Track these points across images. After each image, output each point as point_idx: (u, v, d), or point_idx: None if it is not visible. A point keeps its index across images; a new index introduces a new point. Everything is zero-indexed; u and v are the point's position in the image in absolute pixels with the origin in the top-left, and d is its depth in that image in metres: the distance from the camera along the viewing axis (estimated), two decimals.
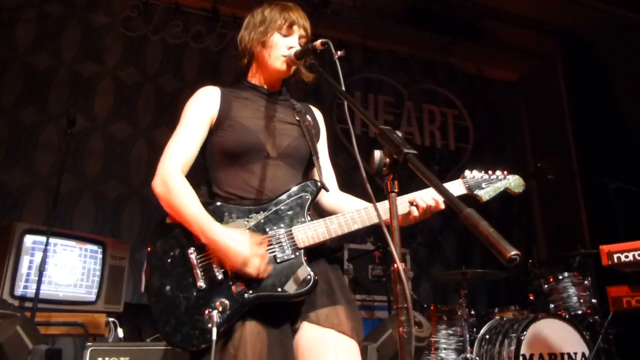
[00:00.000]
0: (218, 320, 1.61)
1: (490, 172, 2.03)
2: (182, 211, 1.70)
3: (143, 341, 3.48)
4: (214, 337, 1.58)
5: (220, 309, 1.63)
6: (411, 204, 1.81)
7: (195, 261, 1.70)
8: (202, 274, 1.69)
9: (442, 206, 1.81)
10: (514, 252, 0.93)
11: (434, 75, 7.24)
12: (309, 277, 1.68)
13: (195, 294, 1.67)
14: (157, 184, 1.76)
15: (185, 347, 1.64)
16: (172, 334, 1.64)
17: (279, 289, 1.67)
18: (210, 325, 1.61)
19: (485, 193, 1.96)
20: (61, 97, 5.12)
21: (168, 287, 1.68)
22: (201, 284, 1.67)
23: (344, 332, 1.71)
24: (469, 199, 1.95)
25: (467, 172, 1.99)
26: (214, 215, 1.71)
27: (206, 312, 1.63)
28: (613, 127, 6.22)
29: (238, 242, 1.62)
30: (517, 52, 7.08)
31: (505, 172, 2.04)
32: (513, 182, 2.03)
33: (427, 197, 1.81)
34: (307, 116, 2.02)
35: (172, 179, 1.74)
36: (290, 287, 1.67)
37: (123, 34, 5.56)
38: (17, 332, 2.69)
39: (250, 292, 1.66)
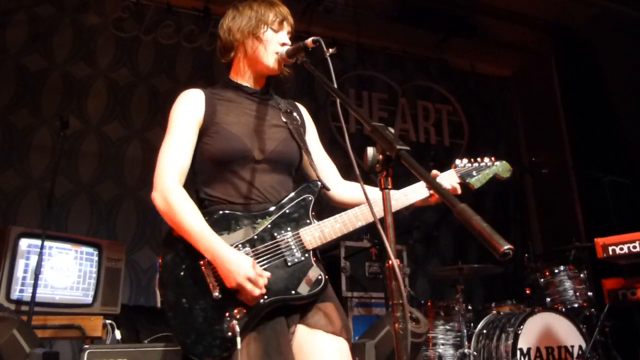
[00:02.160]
0: (239, 328, 1.62)
1: (479, 159, 2.10)
2: (186, 228, 1.68)
3: (141, 342, 3.47)
4: (239, 346, 1.59)
5: (238, 316, 1.65)
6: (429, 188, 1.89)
7: (207, 272, 1.69)
8: (217, 283, 1.69)
9: (459, 191, 1.95)
10: (507, 246, 0.94)
11: (427, 72, 7.24)
12: (320, 277, 1.73)
13: (211, 304, 1.67)
14: (158, 199, 1.74)
15: (207, 358, 1.64)
16: (194, 346, 1.64)
17: (293, 292, 1.70)
18: (230, 334, 1.62)
19: (477, 180, 2.05)
20: (54, 99, 5.09)
21: (184, 300, 1.67)
22: (217, 293, 1.68)
23: (334, 332, 1.73)
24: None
25: (457, 161, 2.07)
26: (220, 224, 1.72)
27: (225, 320, 1.64)
28: (607, 121, 6.24)
29: (243, 262, 1.63)
30: (510, 47, 7.08)
31: (492, 159, 2.13)
32: (501, 167, 2.13)
33: (445, 182, 1.94)
34: (294, 114, 2.01)
35: (172, 194, 1.72)
36: (303, 289, 1.71)
37: (115, 35, 5.53)
38: (14, 336, 2.68)
39: (266, 297, 1.67)
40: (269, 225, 1.76)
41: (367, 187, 2.01)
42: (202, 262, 1.70)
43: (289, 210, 1.79)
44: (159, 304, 1.71)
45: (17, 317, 2.86)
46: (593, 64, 6.50)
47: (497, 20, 6.48)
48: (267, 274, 1.67)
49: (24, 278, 3.38)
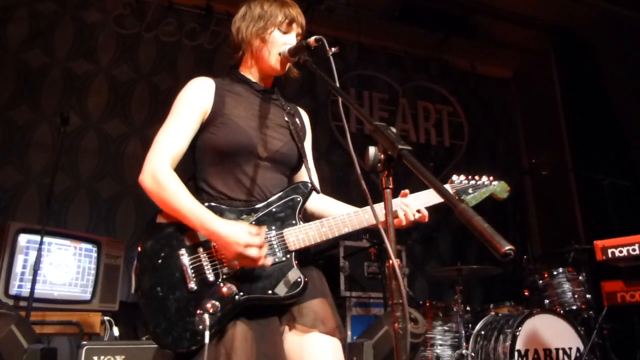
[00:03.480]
0: (210, 322, 1.61)
1: (477, 177, 2.07)
2: (178, 207, 1.67)
3: (138, 340, 3.47)
4: (207, 340, 1.58)
5: (211, 310, 1.63)
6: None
7: (186, 262, 1.68)
8: (193, 275, 1.67)
9: (426, 220, 1.87)
10: (508, 246, 0.93)
11: (427, 72, 7.25)
12: (299, 279, 1.70)
13: (186, 295, 1.65)
14: (147, 180, 1.72)
15: (175, 349, 1.63)
16: (163, 335, 1.62)
17: (270, 292, 1.68)
18: (201, 327, 1.60)
19: (472, 198, 2.01)
20: (54, 95, 5.09)
21: (159, 288, 1.66)
22: (192, 285, 1.66)
23: (328, 332, 1.73)
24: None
25: (454, 177, 2.04)
26: None
27: (197, 313, 1.62)
28: (606, 122, 6.24)
29: (238, 231, 1.61)
30: (511, 48, 7.09)
31: (491, 178, 2.09)
32: (498, 187, 2.09)
33: (414, 206, 1.85)
34: (296, 119, 2.01)
35: (163, 175, 1.70)
36: (281, 290, 1.68)
37: (116, 32, 5.53)
38: (12, 332, 2.68)
39: (241, 293, 1.66)
40: (253, 222, 1.74)
41: (338, 202, 2.03)
42: (181, 252, 1.69)
43: (275, 209, 1.77)
44: (133, 290, 1.69)
45: (15, 312, 2.86)
46: (593, 65, 6.50)
47: (497, 20, 6.48)
48: (263, 231, 1.66)
49: (22, 274, 3.39)
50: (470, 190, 2.02)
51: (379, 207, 1.68)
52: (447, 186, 2.00)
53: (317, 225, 1.76)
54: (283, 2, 1.92)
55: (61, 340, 4.24)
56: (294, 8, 1.93)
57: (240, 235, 1.60)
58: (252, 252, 1.60)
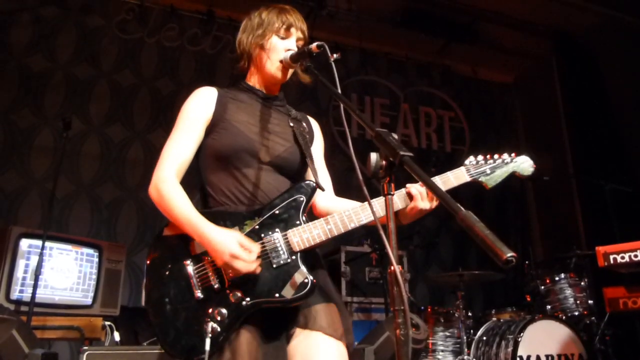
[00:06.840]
0: (217, 329, 1.61)
1: (496, 155, 1.92)
2: (174, 213, 1.70)
3: (139, 345, 3.47)
4: (207, 347, 1.58)
5: (218, 318, 1.63)
6: (409, 195, 1.78)
7: (192, 272, 1.69)
8: (199, 284, 1.68)
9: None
10: (510, 253, 0.93)
11: (429, 77, 7.25)
12: (306, 280, 1.66)
13: (193, 304, 1.66)
14: (152, 191, 1.77)
15: (186, 358, 1.63)
16: (173, 344, 1.64)
17: (277, 294, 1.66)
18: (211, 335, 1.61)
19: (490, 179, 1.87)
20: (57, 100, 5.10)
21: (167, 299, 1.68)
22: (199, 294, 1.67)
23: (332, 334, 1.70)
24: (473, 186, 1.89)
25: (470, 158, 1.90)
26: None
27: (205, 322, 1.63)
28: (608, 128, 6.24)
29: (226, 240, 1.62)
30: (512, 54, 7.09)
31: (512, 155, 1.93)
32: (522, 164, 1.92)
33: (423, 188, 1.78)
34: (303, 123, 2.02)
35: (165, 185, 1.74)
36: (288, 292, 1.65)
37: (119, 37, 5.55)
38: (13, 337, 2.67)
39: (248, 299, 1.65)
40: (257, 226, 1.73)
41: (350, 201, 1.97)
42: (187, 262, 1.70)
43: (279, 211, 1.75)
44: (143, 302, 1.71)
45: (16, 317, 2.86)
46: (595, 71, 6.50)
47: (499, 26, 6.50)
48: (257, 248, 1.64)
49: (24, 278, 3.39)
50: (487, 171, 1.88)
51: (381, 202, 1.65)
52: (462, 169, 1.87)
53: (321, 223, 1.73)
54: (281, 8, 1.94)
55: (62, 345, 4.23)
56: (292, 14, 1.94)
57: (227, 244, 1.61)
58: (238, 265, 1.60)
